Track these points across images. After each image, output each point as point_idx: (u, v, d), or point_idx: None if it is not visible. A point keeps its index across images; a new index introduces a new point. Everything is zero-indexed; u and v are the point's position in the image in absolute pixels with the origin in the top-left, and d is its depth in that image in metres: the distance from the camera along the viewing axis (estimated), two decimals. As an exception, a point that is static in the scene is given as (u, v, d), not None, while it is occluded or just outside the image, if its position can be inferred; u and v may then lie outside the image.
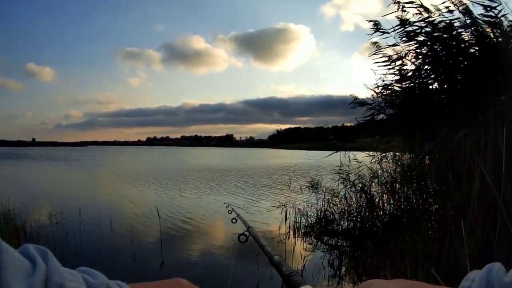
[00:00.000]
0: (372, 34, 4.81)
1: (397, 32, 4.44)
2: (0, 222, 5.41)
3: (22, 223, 5.88)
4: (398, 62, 4.66)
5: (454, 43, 4.03)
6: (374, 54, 4.71)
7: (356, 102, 5.45)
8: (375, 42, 4.90)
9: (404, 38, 4.43)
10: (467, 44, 4.06)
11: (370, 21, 4.84)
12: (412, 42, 4.40)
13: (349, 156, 6.04)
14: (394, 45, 4.61)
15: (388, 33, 4.60)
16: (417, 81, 4.62)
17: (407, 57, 4.57)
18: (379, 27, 4.71)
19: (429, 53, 4.32)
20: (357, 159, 6.04)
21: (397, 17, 4.49)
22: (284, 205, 7.12)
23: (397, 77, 4.85)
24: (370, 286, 0.37)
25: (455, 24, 4.01)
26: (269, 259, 0.77)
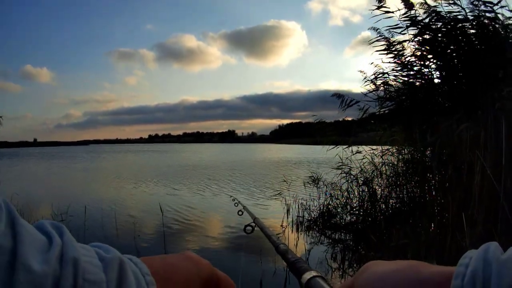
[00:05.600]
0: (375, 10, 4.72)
1: (401, 17, 4.43)
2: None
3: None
4: (399, 48, 4.64)
5: (457, 33, 4.01)
6: (375, 41, 4.69)
7: (347, 104, 5.46)
8: (376, 29, 4.86)
9: (407, 23, 4.41)
10: (470, 36, 4.04)
11: None
12: (414, 28, 4.39)
13: (352, 149, 6.02)
14: (396, 27, 4.56)
15: (392, 12, 4.57)
16: (417, 70, 4.60)
17: (409, 44, 4.55)
18: (383, 3, 4.64)
19: (432, 42, 4.29)
20: (360, 151, 6.00)
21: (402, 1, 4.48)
22: (286, 200, 7.14)
23: (397, 67, 4.84)
24: (369, 268, 0.38)
25: (458, 16, 4.00)
26: (275, 247, 0.78)
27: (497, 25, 3.74)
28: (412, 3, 4.38)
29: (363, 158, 5.87)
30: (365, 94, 5.25)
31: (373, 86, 5.32)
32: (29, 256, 0.24)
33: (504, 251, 0.29)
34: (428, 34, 4.29)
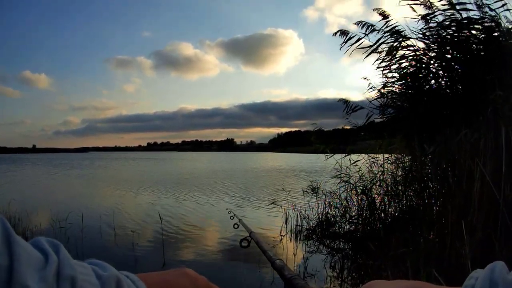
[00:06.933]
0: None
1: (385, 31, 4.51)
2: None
3: (23, 230, 5.87)
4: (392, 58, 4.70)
5: (455, 39, 4.04)
6: (367, 56, 4.77)
7: (351, 109, 5.49)
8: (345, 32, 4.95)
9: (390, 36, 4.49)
10: (468, 41, 4.05)
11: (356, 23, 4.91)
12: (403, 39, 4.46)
13: (350, 159, 6.01)
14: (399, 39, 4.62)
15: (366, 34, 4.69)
16: (416, 77, 4.63)
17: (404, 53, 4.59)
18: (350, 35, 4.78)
19: (429, 50, 4.34)
20: (356, 164, 5.99)
21: (381, 14, 4.58)
22: (285, 209, 7.10)
23: (395, 76, 4.89)
24: (371, 287, 0.37)
25: (454, 20, 4.03)
26: (271, 263, 0.77)
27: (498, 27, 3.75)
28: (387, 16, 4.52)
29: (359, 170, 5.87)
30: (370, 101, 5.28)
31: (378, 94, 5.33)
32: (26, 275, 0.23)
33: (510, 268, 0.28)
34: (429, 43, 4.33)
